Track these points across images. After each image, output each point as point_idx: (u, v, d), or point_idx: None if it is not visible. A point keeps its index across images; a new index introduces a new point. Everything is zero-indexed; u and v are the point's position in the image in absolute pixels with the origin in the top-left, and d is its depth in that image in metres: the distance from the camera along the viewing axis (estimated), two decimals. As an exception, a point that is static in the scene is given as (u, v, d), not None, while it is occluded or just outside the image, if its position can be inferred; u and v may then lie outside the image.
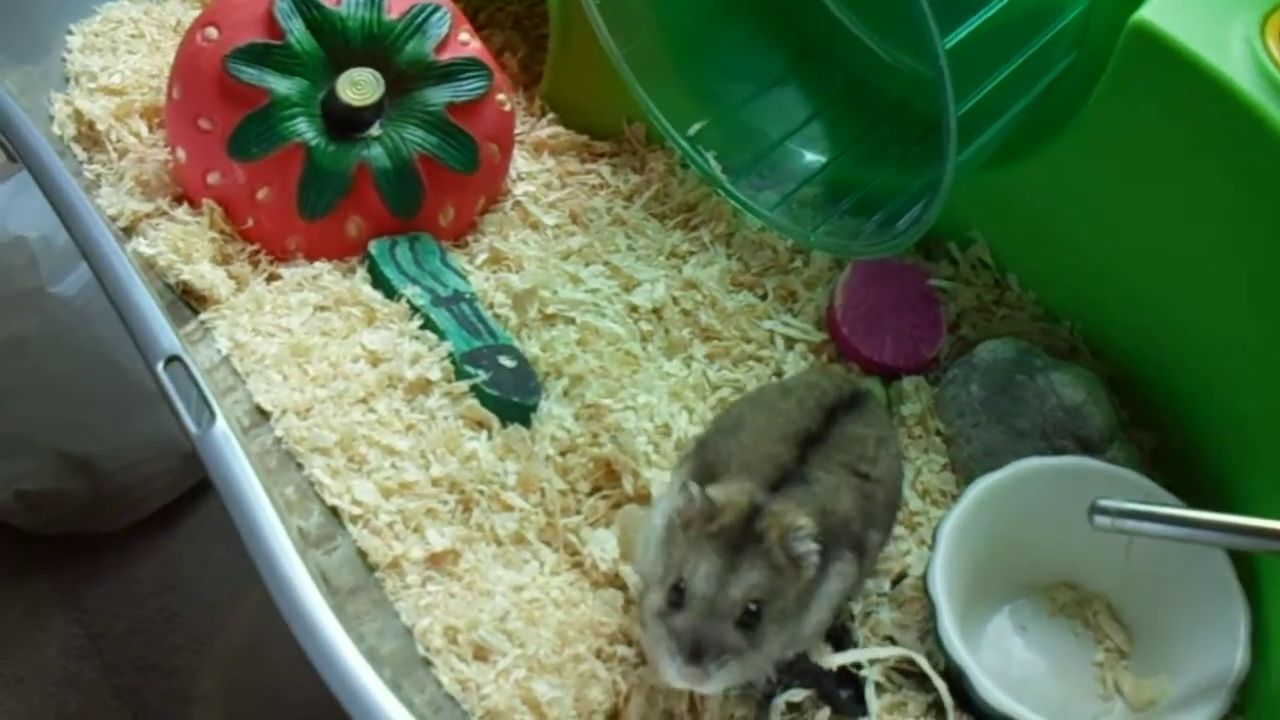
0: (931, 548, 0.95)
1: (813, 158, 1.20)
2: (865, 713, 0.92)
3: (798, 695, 0.92)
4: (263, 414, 0.98)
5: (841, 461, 0.91)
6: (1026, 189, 1.08)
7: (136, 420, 1.58)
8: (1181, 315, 1.04)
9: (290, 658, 0.74)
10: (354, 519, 0.95)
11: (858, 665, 0.94)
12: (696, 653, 0.81)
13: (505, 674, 0.89)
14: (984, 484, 0.98)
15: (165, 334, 0.87)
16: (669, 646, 0.82)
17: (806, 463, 0.90)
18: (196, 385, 0.84)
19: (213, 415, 0.83)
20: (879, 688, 0.94)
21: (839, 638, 0.95)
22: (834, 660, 0.93)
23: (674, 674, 0.82)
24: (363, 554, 0.93)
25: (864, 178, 1.16)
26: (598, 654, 0.91)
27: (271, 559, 0.78)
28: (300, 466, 0.96)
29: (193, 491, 1.70)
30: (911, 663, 0.94)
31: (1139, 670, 0.98)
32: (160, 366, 0.84)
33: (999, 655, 0.92)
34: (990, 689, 0.89)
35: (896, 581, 0.99)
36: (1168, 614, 0.98)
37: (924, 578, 0.95)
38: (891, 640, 0.96)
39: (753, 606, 0.82)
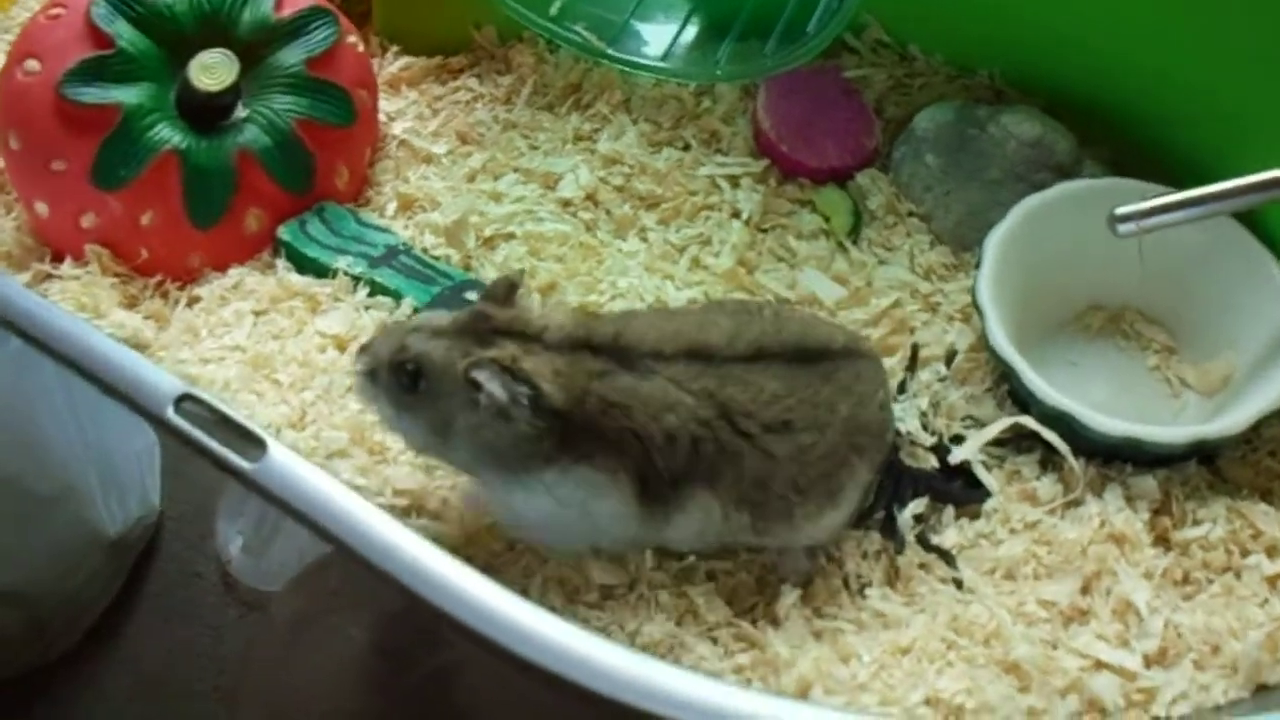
0: (980, 314, 0.87)
1: (682, 1, 1.08)
2: (988, 493, 0.84)
3: (918, 506, 0.83)
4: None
5: (718, 394, 0.75)
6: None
7: (45, 530, 1.40)
8: (1106, 23, 0.97)
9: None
10: (406, 511, 0.81)
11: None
12: (364, 347, 0.77)
13: (644, 600, 0.78)
14: (996, 237, 0.90)
15: (160, 375, 0.71)
16: None
17: (663, 360, 0.75)
18: (224, 417, 0.69)
19: (261, 442, 0.68)
20: (984, 466, 0.86)
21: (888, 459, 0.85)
22: (956, 457, 0.85)
23: None
24: (437, 541, 0.80)
25: (739, 4, 1.04)
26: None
27: (410, 561, 0.65)
28: (326, 479, 0.82)
29: (128, 582, 1.52)
30: (1006, 430, 0.86)
31: (1196, 359, 0.93)
32: (171, 411, 0.69)
33: (1066, 396, 0.86)
34: (1101, 419, 0.83)
35: (949, 361, 0.90)
36: (1199, 297, 0.93)
37: (986, 345, 0.86)
38: (973, 418, 0.88)
39: (410, 366, 0.74)
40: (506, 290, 0.76)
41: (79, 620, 1.45)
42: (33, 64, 0.93)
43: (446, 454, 0.78)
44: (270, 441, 0.68)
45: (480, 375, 0.72)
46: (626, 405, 0.74)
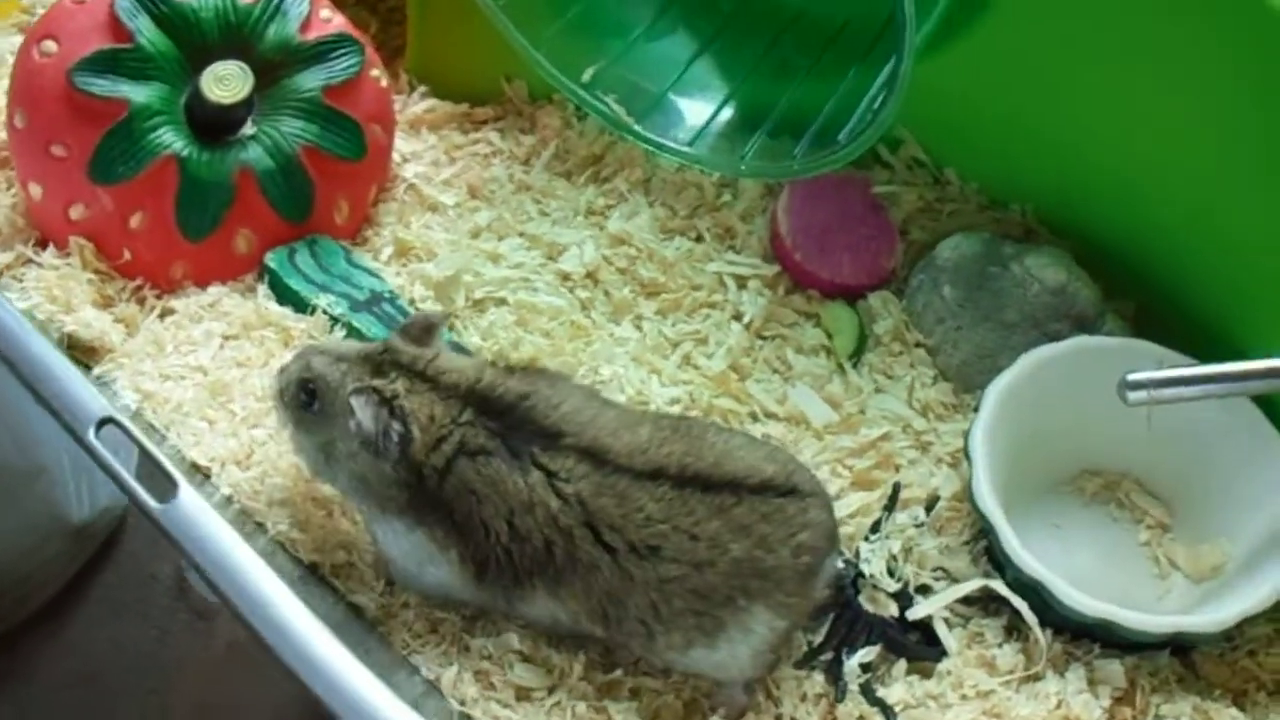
0: (969, 464, 0.80)
1: (720, 84, 1.01)
2: (944, 653, 0.78)
3: (868, 654, 0.77)
4: (199, 471, 0.78)
5: (590, 502, 0.70)
6: (958, 75, 0.92)
7: (14, 503, 1.35)
8: (1145, 176, 0.90)
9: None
10: (336, 570, 0.75)
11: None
12: (283, 368, 0.76)
13: (560, 708, 0.72)
14: (999, 385, 0.83)
15: (89, 394, 0.66)
16: None
17: (555, 447, 0.71)
18: (144, 449, 0.63)
19: (174, 483, 0.62)
20: (946, 623, 0.79)
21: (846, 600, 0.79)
22: (919, 611, 0.78)
23: None
24: (356, 609, 0.74)
25: (776, 97, 0.98)
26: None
27: (301, 644, 0.59)
28: (262, 525, 0.75)
29: (83, 570, 1.46)
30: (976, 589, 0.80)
31: (1189, 540, 0.87)
32: (91, 434, 0.63)
33: (1044, 559, 0.80)
34: (1075, 595, 0.76)
35: (930, 507, 0.84)
36: (1202, 475, 0.86)
37: (970, 497, 0.80)
38: (944, 570, 0.82)
39: (310, 385, 0.73)
40: (423, 329, 0.74)
41: (27, 601, 1.40)
42: (50, 45, 0.89)
43: (331, 478, 0.75)
44: (182, 485, 0.62)
45: (357, 402, 0.70)
46: (483, 495, 0.70)
